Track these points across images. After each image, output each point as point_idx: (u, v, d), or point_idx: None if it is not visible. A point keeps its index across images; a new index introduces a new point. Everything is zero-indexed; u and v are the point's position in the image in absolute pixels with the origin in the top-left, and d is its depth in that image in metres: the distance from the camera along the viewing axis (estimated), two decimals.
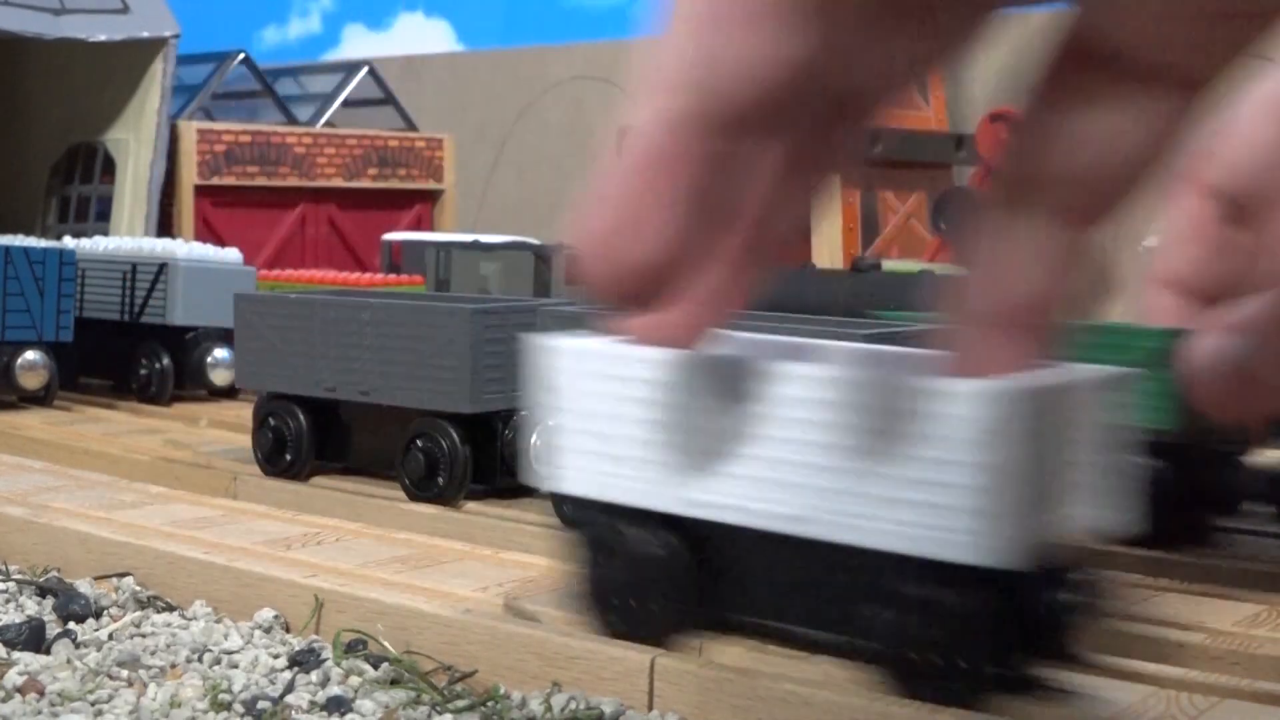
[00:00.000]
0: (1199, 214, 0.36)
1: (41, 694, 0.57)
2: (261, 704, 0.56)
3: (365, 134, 2.03)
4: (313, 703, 0.56)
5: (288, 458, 0.94)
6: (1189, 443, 0.70)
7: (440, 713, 0.56)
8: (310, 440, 0.93)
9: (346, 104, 2.16)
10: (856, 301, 1.33)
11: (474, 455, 0.87)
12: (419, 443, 0.87)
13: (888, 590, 0.51)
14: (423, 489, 0.87)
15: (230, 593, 0.70)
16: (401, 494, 0.89)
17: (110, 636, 0.65)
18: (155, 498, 0.87)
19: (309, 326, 0.92)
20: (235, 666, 0.61)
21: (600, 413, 0.52)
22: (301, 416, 0.94)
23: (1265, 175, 0.35)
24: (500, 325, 0.87)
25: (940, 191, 1.71)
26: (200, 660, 0.62)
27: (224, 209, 1.88)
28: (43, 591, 0.72)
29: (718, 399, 0.49)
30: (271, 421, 0.95)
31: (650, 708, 0.56)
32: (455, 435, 0.86)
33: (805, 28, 0.31)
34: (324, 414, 0.94)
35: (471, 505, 0.87)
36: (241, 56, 2.05)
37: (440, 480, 0.87)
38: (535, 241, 1.50)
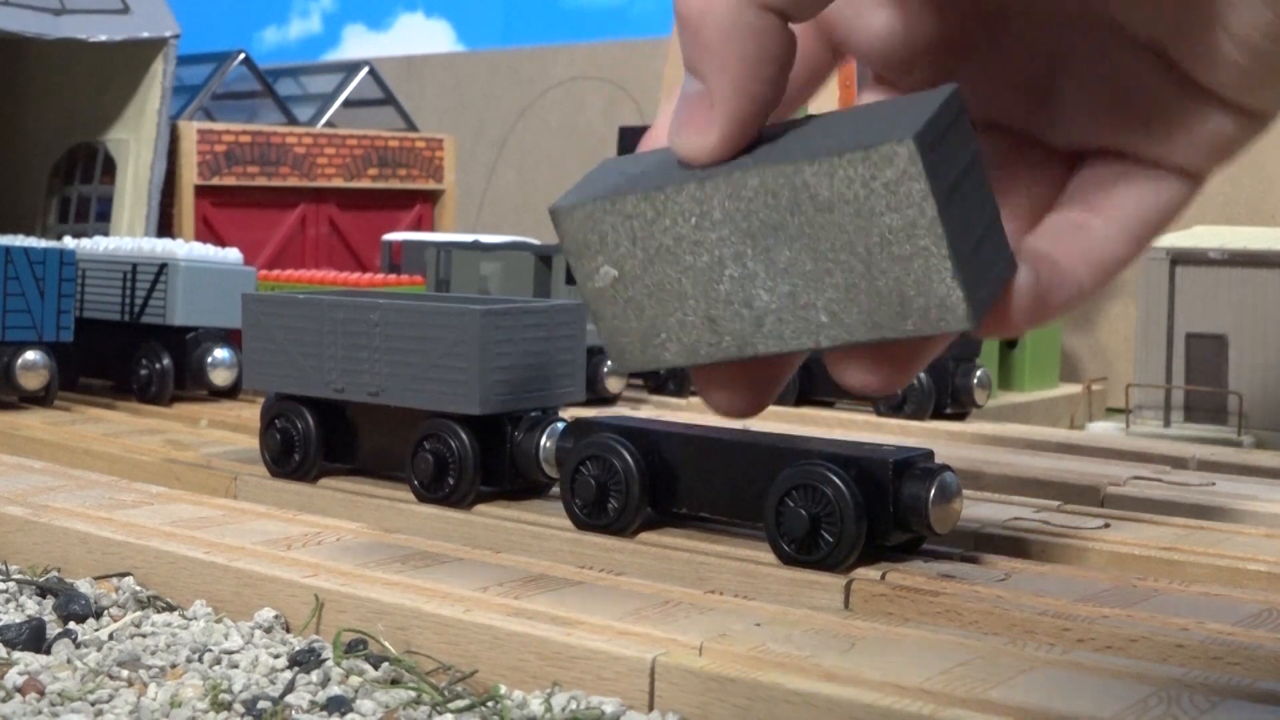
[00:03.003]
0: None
1: (42, 694, 0.57)
2: (261, 704, 0.56)
3: (365, 134, 2.03)
4: (313, 703, 0.56)
5: (296, 459, 0.94)
6: None
7: (440, 713, 0.56)
8: (318, 441, 0.93)
9: (347, 104, 2.16)
10: None
11: (483, 457, 0.87)
12: (428, 444, 0.87)
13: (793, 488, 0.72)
14: (432, 490, 0.87)
15: (230, 593, 0.70)
16: (403, 495, 0.89)
17: (110, 636, 0.65)
18: (156, 498, 0.87)
19: (317, 327, 0.92)
20: (235, 666, 0.61)
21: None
22: (309, 418, 0.94)
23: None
24: (509, 326, 0.87)
25: None
26: (200, 660, 0.62)
27: (224, 209, 1.88)
28: (43, 591, 0.72)
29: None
30: (279, 423, 0.95)
31: (650, 708, 0.56)
32: (464, 436, 0.86)
33: None
34: (332, 415, 0.94)
35: (478, 507, 0.87)
36: (241, 56, 2.05)
37: (450, 482, 0.87)
38: (535, 241, 1.50)
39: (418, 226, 2.04)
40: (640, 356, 0.40)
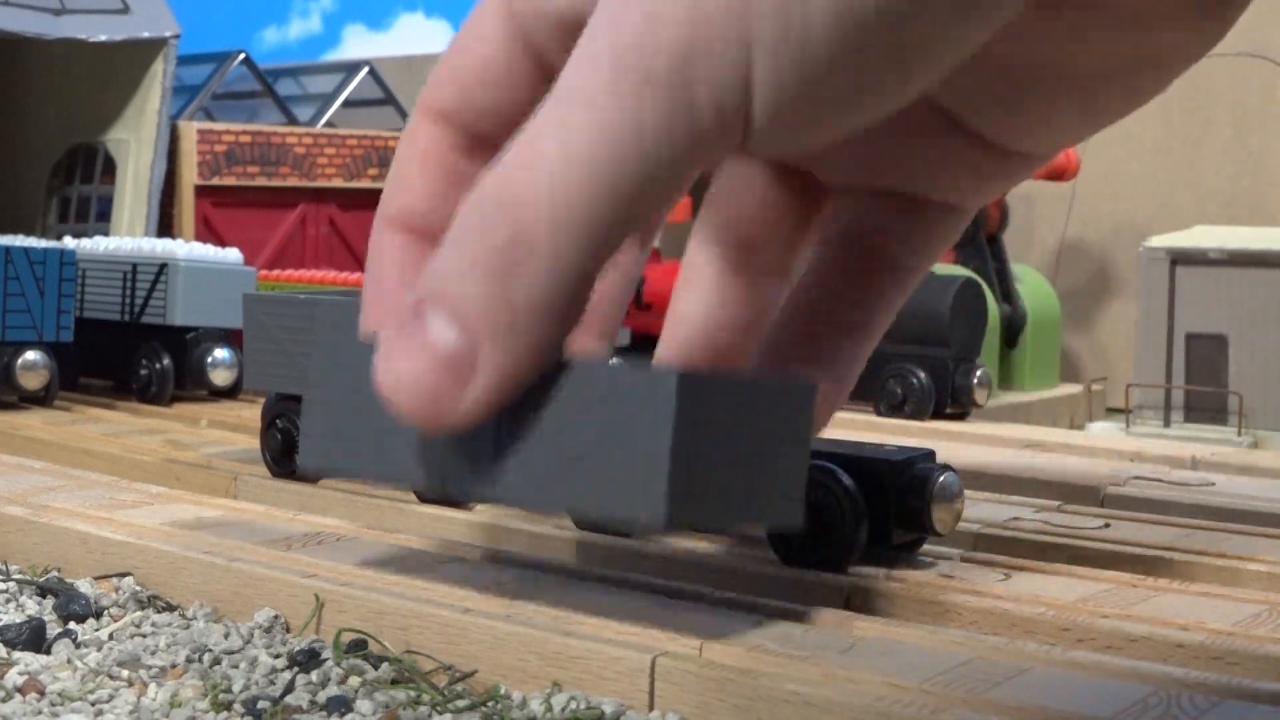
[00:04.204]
0: (431, 144, 0.35)
1: (42, 694, 0.57)
2: (261, 704, 0.56)
3: (366, 134, 2.03)
4: (313, 703, 0.56)
5: (297, 459, 0.94)
6: None
7: (440, 713, 0.56)
8: None
9: (347, 104, 2.16)
10: None
11: None
12: None
13: None
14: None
15: (230, 593, 0.70)
16: (403, 494, 0.89)
17: (110, 636, 0.65)
18: (156, 498, 0.87)
19: None
20: (235, 666, 0.61)
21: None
22: None
23: (497, 97, 0.34)
24: None
25: None
26: (200, 660, 0.62)
27: (224, 209, 1.88)
28: (43, 591, 0.72)
29: None
30: (280, 423, 0.94)
31: (650, 708, 0.56)
32: None
33: None
34: None
35: (478, 507, 0.87)
36: (241, 56, 2.05)
37: None
38: None
39: None
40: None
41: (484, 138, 0.33)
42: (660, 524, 0.53)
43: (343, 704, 0.56)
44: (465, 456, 0.59)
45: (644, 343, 1.44)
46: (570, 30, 0.34)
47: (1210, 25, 0.36)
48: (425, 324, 0.30)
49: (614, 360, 0.55)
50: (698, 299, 0.36)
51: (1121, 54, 0.36)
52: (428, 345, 0.30)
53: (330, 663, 0.60)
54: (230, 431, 1.16)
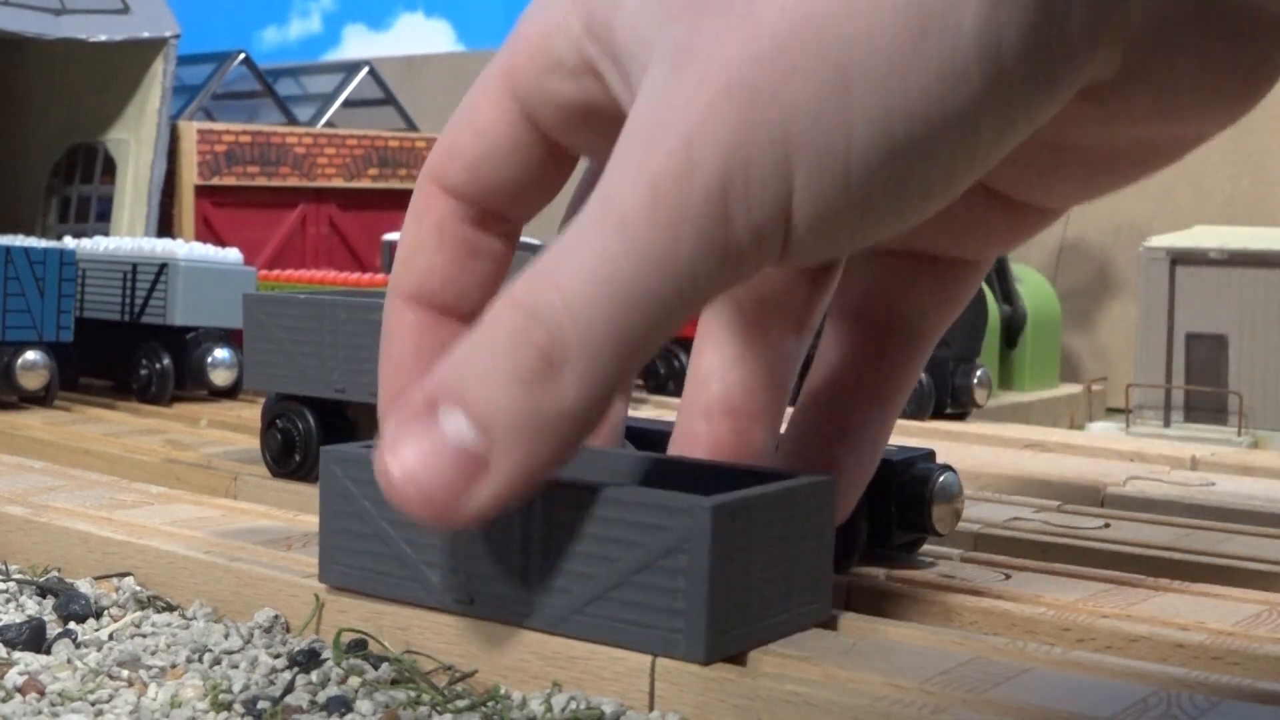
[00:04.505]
0: (444, 217, 0.34)
1: (41, 694, 0.57)
2: (261, 704, 0.56)
3: (365, 134, 2.03)
4: (313, 703, 0.56)
5: (296, 459, 0.94)
6: None
7: (440, 713, 0.56)
8: (319, 441, 0.93)
9: (347, 104, 2.16)
10: None
11: None
12: None
13: None
14: None
15: (230, 593, 0.70)
16: None
17: (110, 636, 0.65)
18: (156, 498, 0.87)
19: (319, 327, 0.92)
20: (235, 666, 0.61)
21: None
22: (310, 418, 0.94)
23: (506, 175, 0.34)
24: None
25: None
26: (200, 660, 0.62)
27: (224, 209, 1.88)
28: (43, 591, 0.72)
29: None
30: (280, 423, 0.94)
31: (651, 708, 0.56)
32: None
33: None
34: (333, 415, 0.94)
35: None
36: (241, 56, 2.05)
37: None
38: (535, 241, 1.50)
39: None
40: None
41: (494, 212, 0.33)
42: (701, 660, 0.54)
43: (343, 704, 0.56)
44: (493, 579, 0.60)
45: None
46: (581, 117, 0.33)
47: (1239, 114, 0.36)
48: (439, 419, 0.30)
49: (645, 489, 0.55)
50: (716, 359, 0.36)
51: (1152, 137, 0.36)
52: (441, 440, 0.30)
53: (330, 663, 0.60)
54: (230, 431, 1.16)
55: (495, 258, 0.34)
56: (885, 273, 0.36)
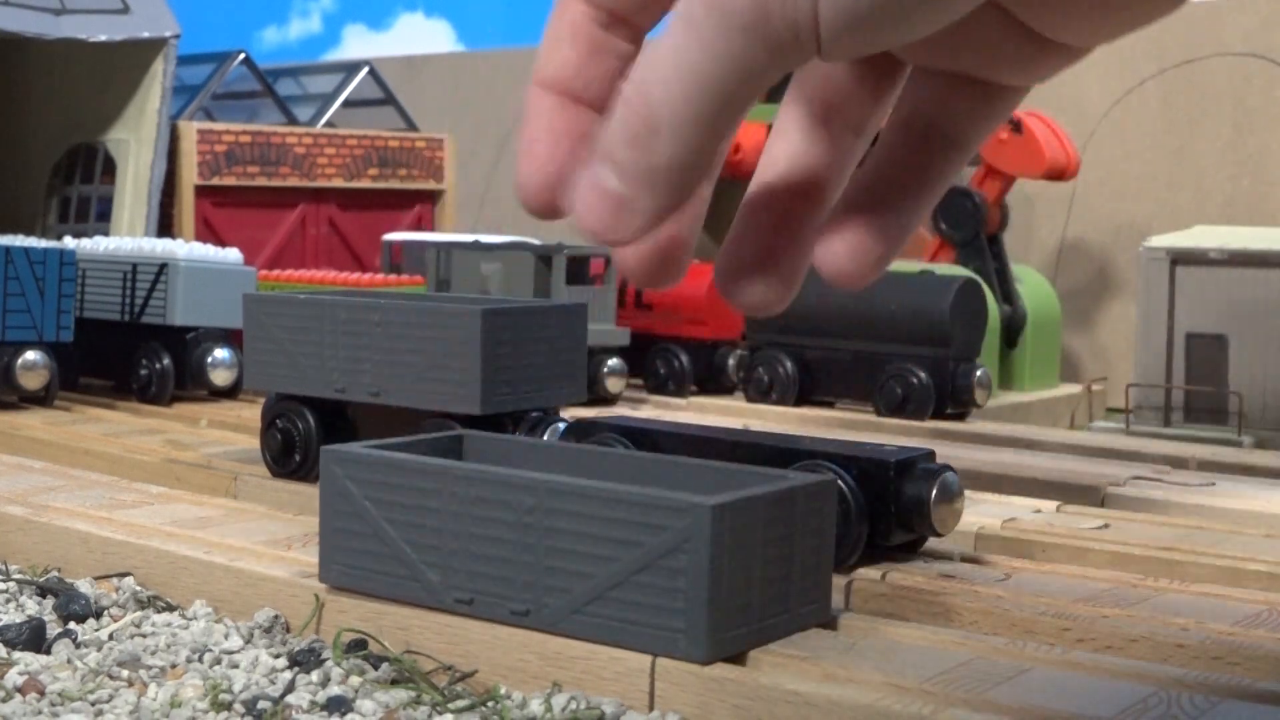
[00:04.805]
0: (578, 18, 0.41)
1: (42, 694, 0.57)
2: (261, 704, 0.56)
3: (365, 134, 2.03)
4: (313, 703, 0.56)
5: (296, 459, 0.94)
6: None
7: (440, 713, 0.56)
8: (319, 441, 0.93)
9: (347, 104, 2.16)
10: (858, 303, 1.34)
11: None
12: None
13: None
14: None
15: (230, 593, 0.70)
16: None
17: (110, 636, 0.65)
18: (156, 498, 0.87)
19: (319, 327, 0.92)
20: (235, 666, 0.61)
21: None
22: (310, 417, 0.94)
23: None
24: (510, 326, 0.87)
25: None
26: (200, 660, 0.62)
27: (224, 209, 1.88)
28: (43, 591, 0.72)
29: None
30: (280, 423, 0.94)
31: (651, 708, 0.56)
32: None
33: None
34: (333, 415, 0.94)
35: None
36: (241, 56, 2.05)
37: None
38: (536, 242, 1.50)
39: (418, 226, 2.04)
40: None
41: (621, 17, 0.40)
42: (701, 660, 0.54)
43: (343, 704, 0.56)
44: (493, 579, 0.60)
45: (644, 340, 1.44)
46: None
47: None
48: (597, 172, 0.38)
49: (645, 489, 0.56)
50: (785, 146, 0.43)
51: None
52: (600, 186, 0.38)
53: (330, 663, 0.60)
54: (230, 431, 1.16)
55: (621, 55, 0.41)
56: (931, 90, 0.43)
